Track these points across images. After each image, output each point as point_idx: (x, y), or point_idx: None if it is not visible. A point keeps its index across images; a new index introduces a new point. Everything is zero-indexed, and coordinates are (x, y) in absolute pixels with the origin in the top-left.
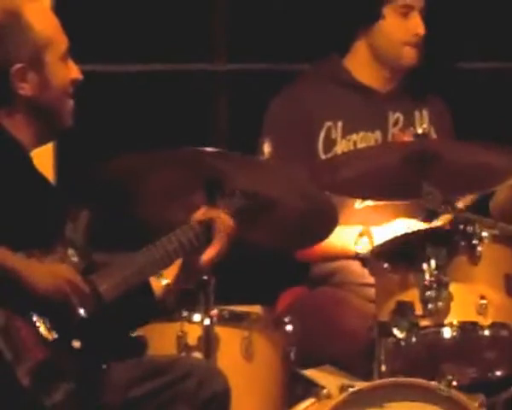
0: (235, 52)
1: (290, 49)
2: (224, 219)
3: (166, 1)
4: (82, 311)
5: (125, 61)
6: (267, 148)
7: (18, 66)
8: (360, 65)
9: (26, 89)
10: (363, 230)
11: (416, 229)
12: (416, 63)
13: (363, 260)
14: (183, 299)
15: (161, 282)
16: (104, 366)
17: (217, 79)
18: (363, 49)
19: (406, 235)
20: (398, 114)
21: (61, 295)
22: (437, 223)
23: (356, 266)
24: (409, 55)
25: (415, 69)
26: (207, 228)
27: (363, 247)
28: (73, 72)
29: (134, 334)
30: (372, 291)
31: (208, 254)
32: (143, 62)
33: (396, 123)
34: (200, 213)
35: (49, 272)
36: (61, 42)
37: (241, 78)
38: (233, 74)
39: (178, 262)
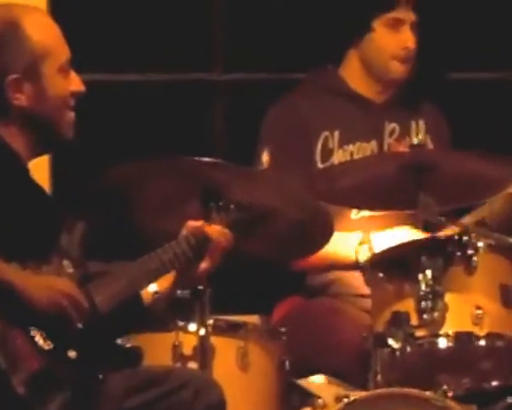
0: (233, 62)
1: (287, 58)
2: (220, 233)
3: (164, 11)
4: (78, 323)
5: (123, 70)
6: (265, 157)
7: (13, 76)
8: (354, 75)
9: (21, 100)
10: (363, 237)
11: (412, 237)
12: (405, 78)
13: (363, 269)
14: (179, 308)
15: (150, 289)
16: (100, 376)
17: (214, 89)
18: (356, 61)
19: (401, 245)
20: (394, 125)
21: (57, 308)
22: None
23: (352, 277)
24: (396, 70)
25: (410, 79)
26: (203, 240)
27: (364, 255)
28: (74, 84)
29: (129, 344)
30: (368, 302)
31: (203, 267)
32: (141, 72)
33: (392, 133)
34: (196, 226)
35: (45, 284)
36: (61, 53)
37: (238, 87)
38: (230, 84)
39: (172, 271)
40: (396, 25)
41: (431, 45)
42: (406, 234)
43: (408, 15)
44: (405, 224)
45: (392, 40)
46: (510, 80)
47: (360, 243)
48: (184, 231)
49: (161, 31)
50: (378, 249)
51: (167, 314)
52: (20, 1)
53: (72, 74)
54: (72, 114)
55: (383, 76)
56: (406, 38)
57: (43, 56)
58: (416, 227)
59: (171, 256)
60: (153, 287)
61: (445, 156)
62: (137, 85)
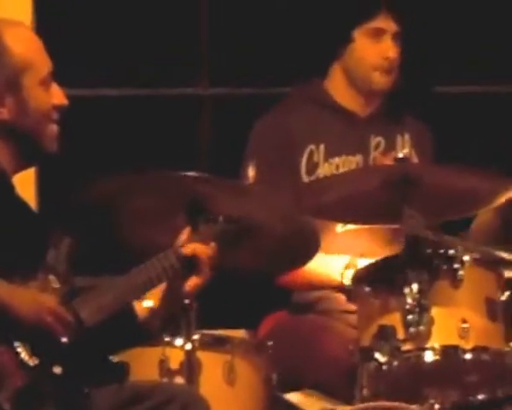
0: (218, 76)
1: (273, 73)
2: (207, 251)
3: (151, 25)
4: (64, 338)
5: (111, 84)
6: (251, 172)
7: None
8: (339, 88)
9: (3, 113)
10: (349, 261)
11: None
12: (388, 89)
13: (348, 292)
14: (167, 323)
15: (145, 304)
16: (86, 391)
17: (200, 103)
18: (339, 73)
19: (387, 259)
20: (379, 138)
21: (42, 324)
22: None
23: (339, 293)
24: (378, 81)
25: (396, 93)
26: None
27: (347, 281)
28: (56, 97)
29: (115, 359)
30: (355, 318)
31: (192, 284)
32: (127, 86)
33: (377, 147)
34: (185, 241)
35: (32, 299)
36: (43, 66)
37: (223, 102)
38: (216, 98)
39: (163, 286)
40: (377, 35)
41: (416, 58)
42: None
43: (389, 25)
44: (389, 238)
45: (373, 50)
46: (496, 94)
47: (346, 267)
48: (173, 245)
49: (148, 45)
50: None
51: (162, 330)
52: (7, 16)
53: (55, 87)
54: (55, 127)
55: (365, 87)
56: (387, 48)
57: (24, 69)
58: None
59: (159, 270)
60: (148, 303)
61: (430, 170)
62: (124, 100)
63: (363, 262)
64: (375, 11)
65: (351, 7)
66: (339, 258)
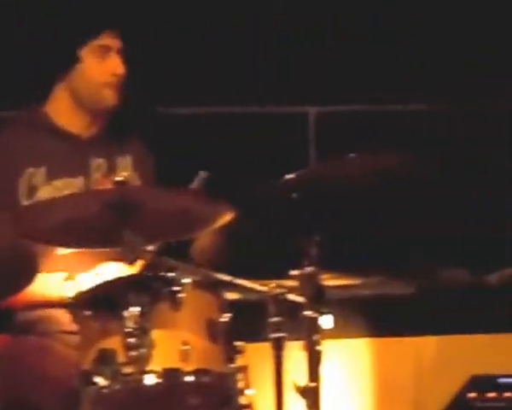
0: None
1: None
2: None
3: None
4: None
5: None
6: None
7: None
8: (61, 110)
9: None
10: (68, 275)
11: (119, 273)
12: (116, 105)
13: (67, 306)
14: None
15: None
16: None
17: None
18: (63, 94)
19: (108, 282)
20: (100, 160)
21: None
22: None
23: (59, 314)
24: (109, 98)
25: (118, 114)
26: None
27: (68, 292)
28: None
29: None
30: (77, 339)
31: None
32: None
33: (98, 169)
34: None
35: None
36: None
37: None
38: None
39: None
40: (103, 52)
41: (140, 80)
42: (113, 270)
43: (114, 42)
44: (112, 260)
45: (101, 68)
46: (221, 115)
47: (65, 280)
48: None
49: None
50: (85, 287)
51: None
52: None
53: None
54: None
55: (95, 106)
56: (115, 65)
57: None
58: (124, 262)
59: None
60: None
61: (149, 193)
62: None
63: (83, 276)
64: (99, 29)
65: (74, 27)
66: (56, 274)
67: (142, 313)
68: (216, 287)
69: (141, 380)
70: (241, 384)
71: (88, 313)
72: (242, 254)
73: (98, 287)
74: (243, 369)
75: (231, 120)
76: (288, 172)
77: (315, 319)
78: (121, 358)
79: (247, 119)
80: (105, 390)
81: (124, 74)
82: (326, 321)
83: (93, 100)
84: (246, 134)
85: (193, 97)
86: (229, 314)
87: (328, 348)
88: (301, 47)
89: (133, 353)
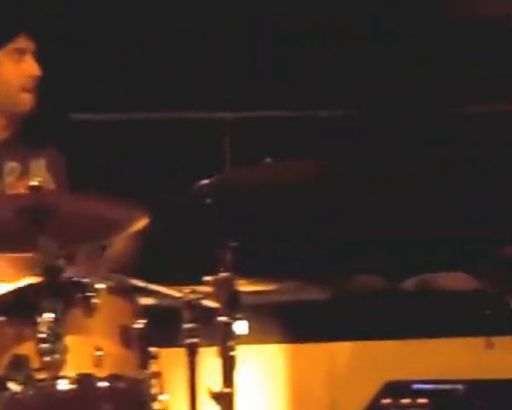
0: None
1: None
2: None
3: None
4: None
5: None
6: None
7: None
8: None
9: None
10: None
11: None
12: (31, 108)
13: None
14: None
15: None
16: None
17: None
18: None
19: (22, 288)
20: (14, 164)
21: None
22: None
23: None
24: (25, 101)
25: (32, 117)
26: None
27: None
28: None
29: None
30: None
31: None
32: None
33: (12, 172)
34: None
35: None
36: None
37: None
38: None
39: None
40: (18, 55)
41: (54, 83)
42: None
43: (29, 44)
44: (28, 267)
45: (17, 71)
46: (142, 120)
47: None
48: None
49: None
50: None
51: None
52: None
53: None
54: None
55: (11, 109)
56: (30, 67)
57: None
58: (37, 274)
59: None
60: None
61: (63, 198)
62: None
63: None
64: (14, 32)
65: None
66: None
67: (55, 319)
68: (130, 293)
69: (54, 386)
70: (155, 390)
71: (1, 318)
72: (156, 259)
73: (12, 292)
74: (157, 375)
75: (147, 126)
76: (204, 178)
77: (229, 325)
78: (35, 364)
79: (162, 125)
80: (18, 396)
81: (39, 76)
82: (240, 327)
83: (10, 103)
84: (161, 140)
85: (108, 103)
86: (143, 320)
87: (242, 353)
88: (217, 54)
89: (46, 358)
